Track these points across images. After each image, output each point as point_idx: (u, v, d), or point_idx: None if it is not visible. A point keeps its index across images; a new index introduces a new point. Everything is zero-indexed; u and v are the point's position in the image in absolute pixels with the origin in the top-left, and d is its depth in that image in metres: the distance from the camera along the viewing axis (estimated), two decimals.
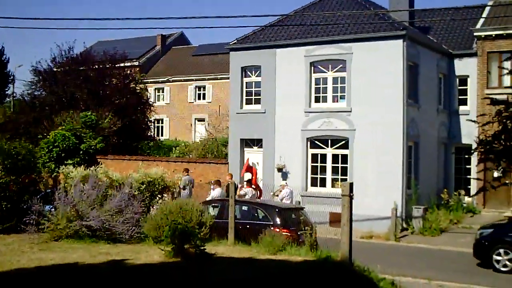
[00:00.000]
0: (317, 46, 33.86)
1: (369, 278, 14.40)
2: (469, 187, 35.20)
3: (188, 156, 42.16)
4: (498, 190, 33.75)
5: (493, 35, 35.28)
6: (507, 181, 20.05)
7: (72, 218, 19.13)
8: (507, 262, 21.30)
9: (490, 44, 35.58)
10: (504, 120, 9.66)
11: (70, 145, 38.65)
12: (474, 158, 24.36)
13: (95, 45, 62.19)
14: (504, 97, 10.17)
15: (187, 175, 30.73)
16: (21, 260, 15.05)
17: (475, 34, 36.27)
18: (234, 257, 16.51)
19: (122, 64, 49.59)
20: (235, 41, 37.07)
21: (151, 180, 23.42)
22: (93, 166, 24.08)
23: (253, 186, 29.97)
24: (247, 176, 31.17)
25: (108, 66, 47.67)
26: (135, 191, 21.51)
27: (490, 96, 23.16)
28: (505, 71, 11.61)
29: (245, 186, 29.88)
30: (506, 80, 31.30)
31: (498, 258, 21.49)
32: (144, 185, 22.93)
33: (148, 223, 18.42)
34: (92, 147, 39.46)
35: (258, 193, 30.06)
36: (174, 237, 15.96)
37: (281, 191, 29.33)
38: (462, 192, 34.47)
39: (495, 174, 19.92)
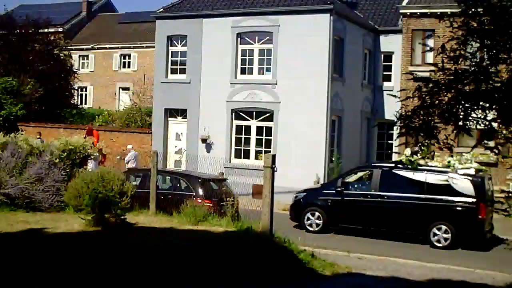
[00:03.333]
0: (244, 17, 33.71)
1: (289, 250, 14.54)
2: (394, 166, 35.63)
3: (112, 125, 41.68)
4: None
5: (418, 13, 35.68)
6: (424, 156, 20.48)
7: None
8: (317, 221, 23.29)
9: (415, 21, 35.99)
10: (423, 96, 9.76)
11: None
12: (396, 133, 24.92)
13: (17, 9, 60.53)
14: (427, 74, 10.26)
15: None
16: None
17: (401, 11, 36.60)
18: (154, 227, 16.52)
19: (45, 30, 48.54)
20: (162, 9, 36.63)
21: (73, 148, 23.06)
22: (13, 133, 23.56)
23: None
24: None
25: (31, 31, 46.54)
26: (56, 159, 21.14)
27: (414, 72, 23.54)
28: (427, 48, 11.81)
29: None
30: (429, 58, 31.74)
31: (308, 222, 23.54)
32: (65, 153, 22.55)
33: (69, 191, 18.23)
34: (13, 114, 38.70)
35: (101, 157, 30.81)
36: (94, 206, 15.93)
37: (127, 154, 29.78)
38: None
39: (415, 149, 20.49)
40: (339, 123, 33.70)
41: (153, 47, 39.35)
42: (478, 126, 9.87)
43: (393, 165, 23.06)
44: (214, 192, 21.22)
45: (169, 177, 23.13)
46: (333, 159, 32.35)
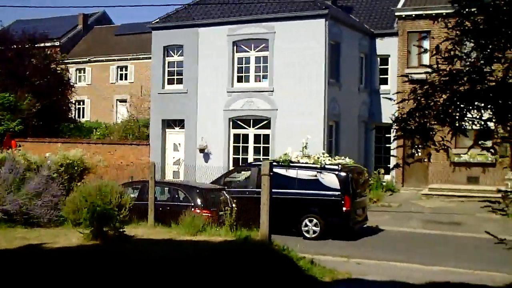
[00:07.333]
0: (240, 25, 33.71)
1: (289, 257, 14.47)
2: (389, 165, 35.55)
3: (109, 138, 41.63)
4: (416, 168, 34.48)
5: (413, 15, 35.70)
6: (421, 158, 20.46)
7: None
8: None
9: (410, 24, 36.00)
10: (419, 98, 9.68)
11: None
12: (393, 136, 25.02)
13: (14, 24, 60.59)
14: (424, 76, 10.20)
15: None
16: None
17: (396, 14, 36.62)
18: (153, 238, 16.44)
19: (42, 44, 48.60)
20: (158, 20, 36.64)
21: (70, 162, 22.99)
22: (10, 149, 23.50)
23: None
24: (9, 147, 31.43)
25: (27, 46, 46.64)
26: (53, 174, 21.06)
27: (410, 75, 23.58)
28: (422, 50, 11.77)
29: None
30: (426, 60, 31.68)
31: None
32: (63, 168, 22.49)
33: (67, 206, 18.05)
34: (11, 129, 38.60)
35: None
36: (93, 220, 15.84)
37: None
38: (382, 170, 34.92)
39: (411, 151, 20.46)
40: (336, 128, 33.63)
41: (150, 58, 39.35)
42: (474, 127, 9.80)
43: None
44: (212, 201, 21.09)
45: (167, 188, 22.97)
46: None
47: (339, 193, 22.49)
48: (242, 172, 25.94)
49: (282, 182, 22.54)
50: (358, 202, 23.43)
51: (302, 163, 23.63)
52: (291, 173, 23.14)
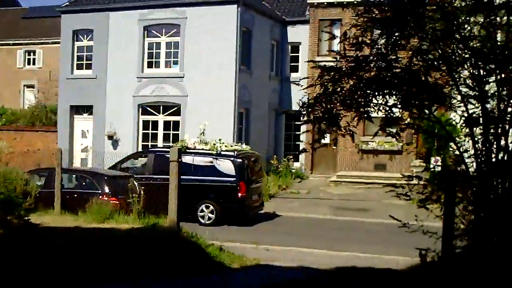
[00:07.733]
0: (151, 10, 33.33)
1: (198, 244, 14.43)
2: (298, 153, 35.85)
3: (16, 125, 40.60)
4: (325, 156, 34.83)
5: (325, 3, 35.87)
6: (327, 143, 20.78)
7: None
8: None
9: (322, 11, 36.16)
10: (326, 83, 9.78)
11: None
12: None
13: None
14: (334, 64, 10.30)
15: None
16: None
17: (308, 1, 36.78)
18: (59, 226, 16.13)
19: None
20: (67, 3, 35.94)
21: None
22: None
23: None
24: None
25: None
26: None
27: (319, 62, 23.75)
28: (331, 36, 11.84)
29: None
30: (337, 47, 31.91)
31: None
32: None
33: None
34: None
35: None
36: None
37: None
38: (291, 157, 35.13)
39: (326, 137, 20.66)
40: (246, 115, 33.68)
41: (59, 42, 38.45)
42: (380, 113, 9.94)
43: (164, 149, 24.51)
44: (120, 189, 20.78)
45: (74, 176, 22.62)
46: None
47: (235, 179, 22.95)
48: (139, 159, 26.06)
49: None
50: (253, 188, 23.89)
51: (199, 149, 23.83)
52: (187, 159, 22.77)
